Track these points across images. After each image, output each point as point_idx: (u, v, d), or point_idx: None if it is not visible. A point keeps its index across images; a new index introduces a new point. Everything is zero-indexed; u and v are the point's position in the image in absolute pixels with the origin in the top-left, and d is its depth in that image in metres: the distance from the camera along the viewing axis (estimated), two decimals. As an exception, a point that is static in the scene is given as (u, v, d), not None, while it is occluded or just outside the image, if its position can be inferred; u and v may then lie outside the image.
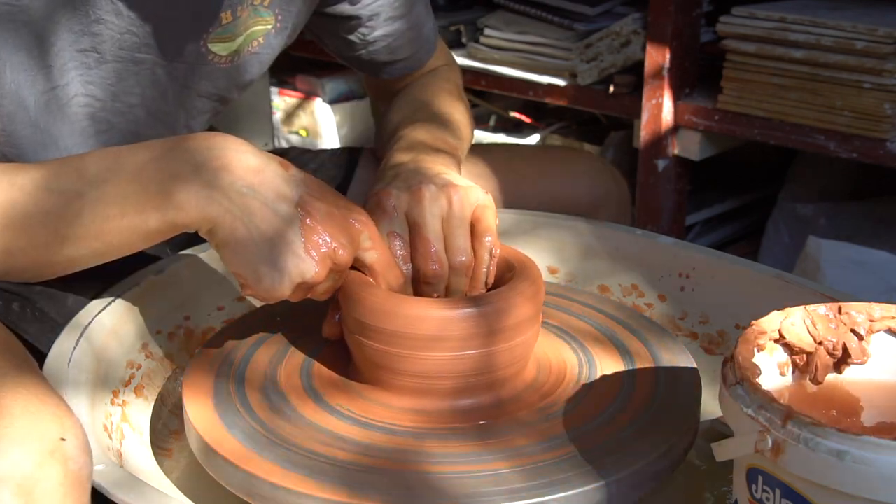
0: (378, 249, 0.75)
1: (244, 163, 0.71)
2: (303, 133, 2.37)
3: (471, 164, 1.06)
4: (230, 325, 0.87)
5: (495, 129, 2.13)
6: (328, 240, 0.71)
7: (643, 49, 1.72)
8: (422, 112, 0.99)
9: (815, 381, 0.67)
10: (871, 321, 0.67)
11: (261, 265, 0.70)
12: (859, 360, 0.66)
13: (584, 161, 1.14)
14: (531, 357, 0.77)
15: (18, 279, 0.78)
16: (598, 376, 0.77)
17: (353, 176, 1.09)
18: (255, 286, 0.71)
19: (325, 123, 2.34)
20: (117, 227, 0.72)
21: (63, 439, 0.60)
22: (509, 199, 1.06)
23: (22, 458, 0.58)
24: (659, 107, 1.70)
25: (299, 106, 2.37)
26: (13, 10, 0.76)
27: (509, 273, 0.76)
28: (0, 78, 0.78)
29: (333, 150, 1.14)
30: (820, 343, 0.66)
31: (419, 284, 0.78)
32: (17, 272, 0.76)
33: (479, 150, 1.11)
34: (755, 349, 0.63)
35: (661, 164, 1.74)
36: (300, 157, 1.10)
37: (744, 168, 2.01)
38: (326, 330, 0.79)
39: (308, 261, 0.70)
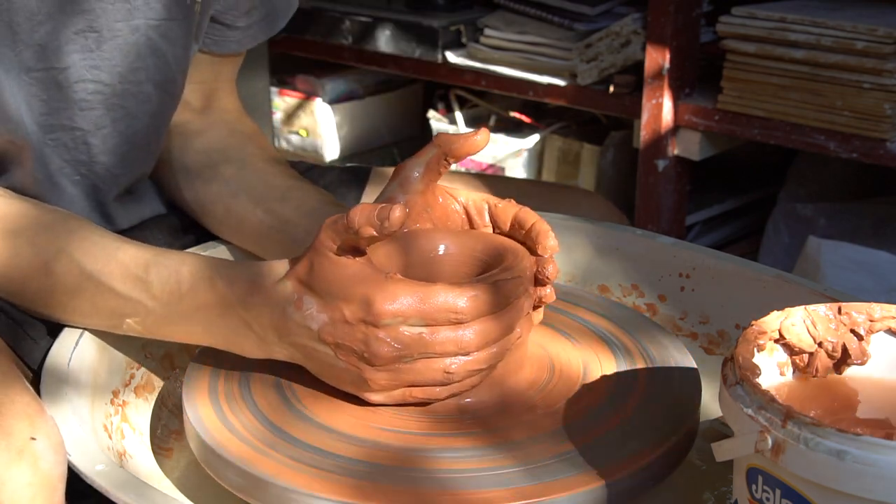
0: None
1: (277, 323, 0.69)
2: (303, 133, 2.37)
3: None
4: (230, 325, 0.87)
5: (495, 129, 2.13)
6: (360, 344, 0.67)
7: (643, 49, 1.72)
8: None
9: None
10: (871, 321, 0.67)
11: (347, 388, 0.70)
12: (859, 361, 0.66)
13: (586, 200, 1.12)
14: (531, 357, 0.77)
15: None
16: (598, 376, 0.77)
17: (361, 198, 1.08)
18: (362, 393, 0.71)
19: (325, 123, 2.34)
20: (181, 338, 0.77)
21: (33, 438, 0.60)
22: None
23: None
24: (659, 107, 1.70)
25: (299, 106, 2.37)
26: None
27: (500, 261, 0.76)
28: None
29: (342, 169, 1.13)
30: (820, 344, 0.66)
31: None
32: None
33: (481, 181, 1.09)
34: (755, 349, 0.63)
35: (661, 164, 1.74)
36: (310, 172, 1.08)
37: (744, 168, 2.01)
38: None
39: (373, 372, 0.67)
